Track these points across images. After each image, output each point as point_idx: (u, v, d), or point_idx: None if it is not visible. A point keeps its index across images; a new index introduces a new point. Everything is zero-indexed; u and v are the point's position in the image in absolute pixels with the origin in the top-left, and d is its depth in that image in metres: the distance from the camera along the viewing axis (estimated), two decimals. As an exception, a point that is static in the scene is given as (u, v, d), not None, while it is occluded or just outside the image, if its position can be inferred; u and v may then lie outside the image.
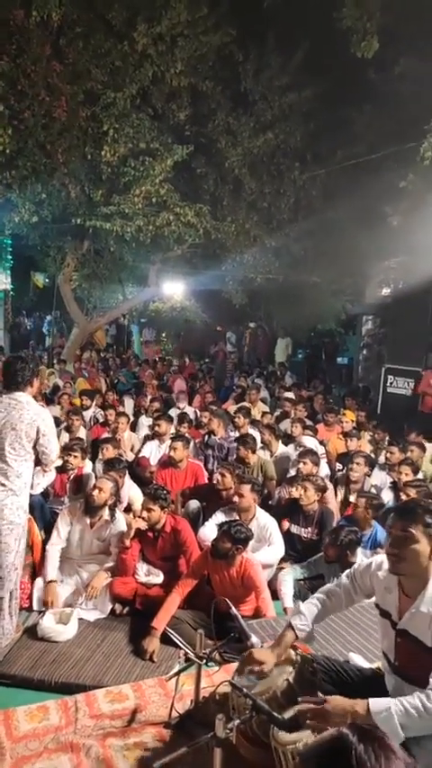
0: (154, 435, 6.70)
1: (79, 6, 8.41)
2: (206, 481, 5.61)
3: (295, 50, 9.50)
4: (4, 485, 3.26)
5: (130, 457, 6.51)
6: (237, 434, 6.45)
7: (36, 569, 4.14)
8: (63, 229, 10.67)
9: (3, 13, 7.82)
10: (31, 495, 3.54)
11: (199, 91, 9.52)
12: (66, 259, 12.02)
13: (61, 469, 5.18)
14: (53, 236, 11.36)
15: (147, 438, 7.00)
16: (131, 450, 6.82)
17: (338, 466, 6.54)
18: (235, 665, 2.83)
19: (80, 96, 8.67)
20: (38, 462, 3.42)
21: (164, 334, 18.59)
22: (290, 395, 9.84)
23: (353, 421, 8.05)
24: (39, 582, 3.98)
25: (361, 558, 3.74)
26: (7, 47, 7.83)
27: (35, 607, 3.86)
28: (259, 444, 6.42)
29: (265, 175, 10.40)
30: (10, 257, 14.33)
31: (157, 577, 4.08)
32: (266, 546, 4.21)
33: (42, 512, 4.88)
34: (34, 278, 18.44)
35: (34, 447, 3.34)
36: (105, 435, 6.52)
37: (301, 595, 3.94)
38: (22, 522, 3.38)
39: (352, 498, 5.11)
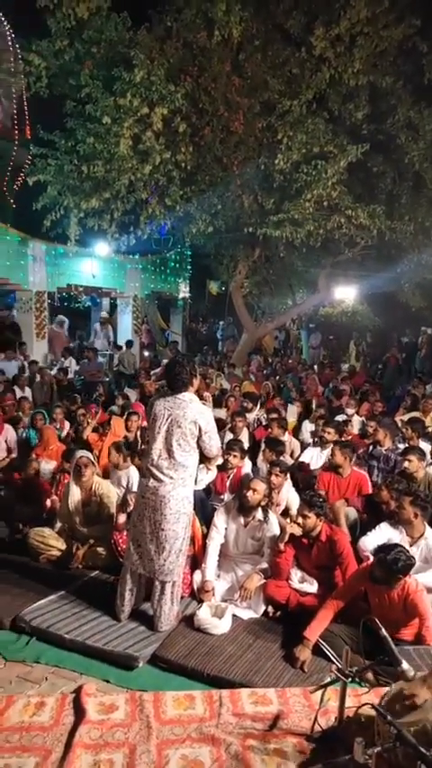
0: (316, 442, 6.60)
1: (258, 19, 8.64)
2: (370, 492, 5.36)
3: None
4: (172, 477, 3.52)
5: (289, 461, 6.48)
6: (405, 446, 6.06)
7: (197, 561, 4.31)
8: (236, 238, 11.04)
9: (187, 36, 8.38)
10: (194, 491, 3.74)
11: (378, 88, 9.18)
12: (238, 267, 12.43)
13: (222, 468, 5.38)
14: (227, 245, 11.83)
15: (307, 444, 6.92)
16: (291, 455, 6.80)
17: None
18: (385, 689, 2.66)
19: (256, 108, 8.90)
20: (203, 458, 3.61)
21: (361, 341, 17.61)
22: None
23: None
24: (197, 574, 4.15)
25: None
26: (190, 68, 8.37)
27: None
28: (429, 459, 5.95)
29: (451, 168, 9.67)
30: (189, 267, 15.26)
31: (311, 586, 4.00)
32: (433, 568, 3.87)
33: (204, 507, 5.08)
34: (209, 286, 19.42)
35: (197, 442, 3.56)
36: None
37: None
38: (188, 512, 3.64)
39: None
